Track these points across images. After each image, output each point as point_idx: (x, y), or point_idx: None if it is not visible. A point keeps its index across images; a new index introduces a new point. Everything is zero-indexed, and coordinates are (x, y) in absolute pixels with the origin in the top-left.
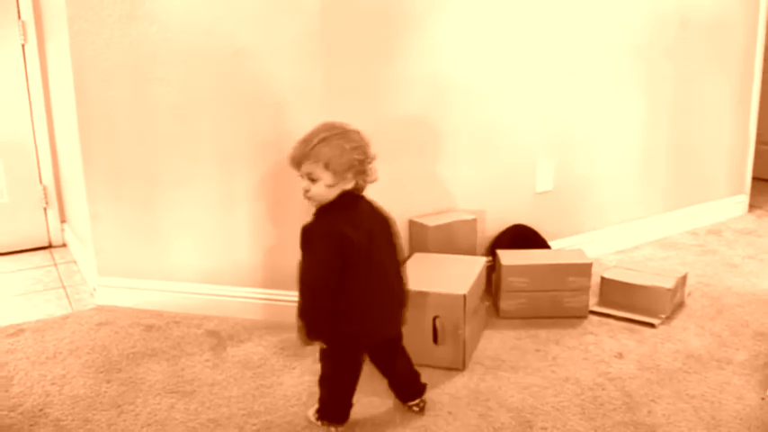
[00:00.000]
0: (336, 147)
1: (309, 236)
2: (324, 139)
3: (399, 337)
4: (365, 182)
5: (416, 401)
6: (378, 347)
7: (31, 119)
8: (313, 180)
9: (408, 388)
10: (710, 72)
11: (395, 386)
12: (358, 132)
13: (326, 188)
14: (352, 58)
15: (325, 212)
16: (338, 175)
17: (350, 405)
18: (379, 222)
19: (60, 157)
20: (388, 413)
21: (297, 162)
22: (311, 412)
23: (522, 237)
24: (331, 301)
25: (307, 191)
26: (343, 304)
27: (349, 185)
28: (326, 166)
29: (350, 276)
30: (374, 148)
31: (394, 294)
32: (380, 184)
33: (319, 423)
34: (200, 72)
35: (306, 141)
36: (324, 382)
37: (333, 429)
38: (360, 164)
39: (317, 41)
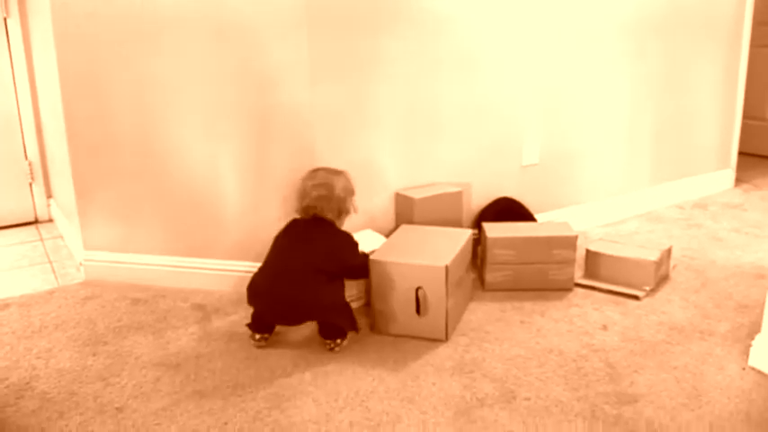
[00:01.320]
0: (341, 189)
1: (348, 239)
2: (333, 186)
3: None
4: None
5: (329, 341)
6: None
7: (15, 94)
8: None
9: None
10: (698, 47)
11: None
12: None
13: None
14: (339, 33)
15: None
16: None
17: None
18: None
19: (45, 133)
20: (372, 382)
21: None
22: None
23: (508, 209)
24: None
25: None
26: None
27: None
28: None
29: None
30: (361, 121)
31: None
32: (367, 156)
33: None
34: (185, 46)
35: (327, 190)
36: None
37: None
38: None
39: (303, 15)
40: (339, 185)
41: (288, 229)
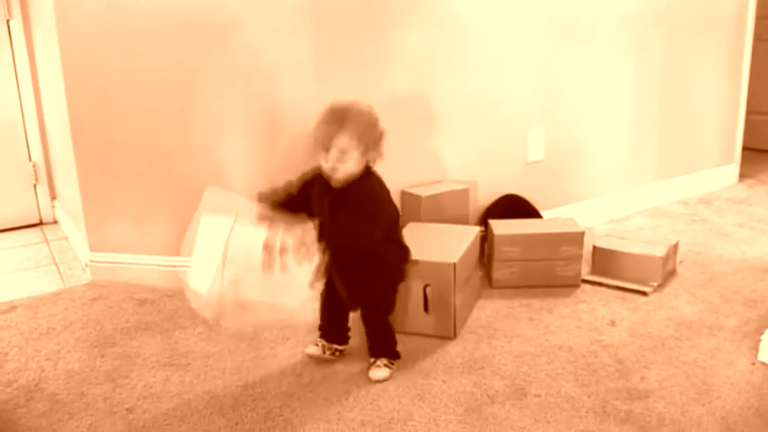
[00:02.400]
0: (368, 120)
1: (376, 194)
2: (359, 113)
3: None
4: (378, 158)
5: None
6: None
7: (19, 96)
8: (343, 154)
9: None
10: (701, 41)
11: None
12: (370, 109)
13: (355, 163)
14: (344, 31)
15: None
16: (368, 148)
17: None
18: None
19: (49, 134)
20: (383, 383)
21: (330, 136)
22: None
23: (514, 206)
24: None
25: (335, 168)
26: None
27: (368, 161)
28: (360, 139)
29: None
30: None
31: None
32: None
33: None
34: (190, 44)
35: (337, 116)
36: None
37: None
38: (381, 138)
39: (308, 13)
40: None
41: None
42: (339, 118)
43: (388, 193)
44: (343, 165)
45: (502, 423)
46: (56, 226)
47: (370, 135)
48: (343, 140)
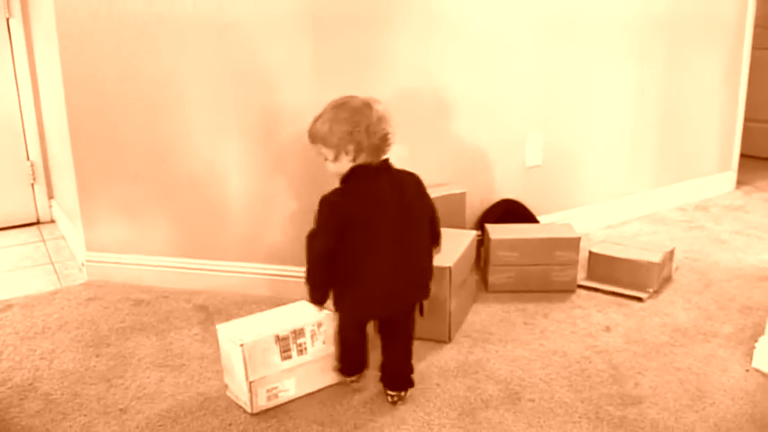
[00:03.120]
0: (326, 123)
1: (319, 205)
2: (318, 118)
3: (406, 313)
4: (372, 153)
5: (395, 393)
6: (384, 319)
7: (18, 94)
8: (325, 157)
9: (395, 376)
10: (700, 49)
11: (384, 367)
12: (350, 104)
13: (333, 163)
14: (342, 32)
15: (340, 185)
16: (336, 150)
17: (358, 361)
18: (397, 196)
19: (47, 133)
20: (377, 384)
21: (311, 142)
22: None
23: (512, 211)
24: (327, 269)
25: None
26: (345, 273)
27: (358, 159)
28: (324, 144)
29: (350, 247)
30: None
31: (401, 268)
32: None
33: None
34: (188, 46)
35: (312, 122)
36: (335, 337)
37: (347, 379)
38: (350, 136)
39: (306, 14)
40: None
41: (363, 196)
42: (313, 121)
43: (330, 204)
44: (328, 164)
45: (495, 427)
46: (53, 225)
47: (330, 139)
48: (315, 146)
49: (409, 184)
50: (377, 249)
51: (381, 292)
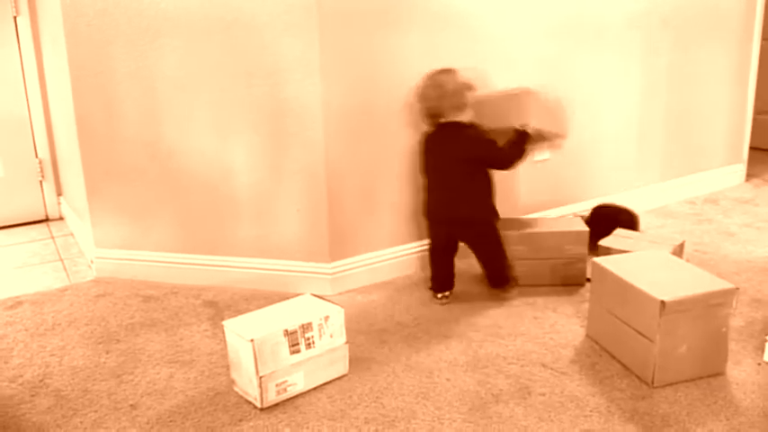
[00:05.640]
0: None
1: (477, 129)
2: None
3: (464, 233)
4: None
5: (497, 290)
6: (452, 235)
7: (26, 92)
8: None
9: (489, 278)
10: (709, 41)
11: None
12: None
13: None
14: (350, 28)
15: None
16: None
17: (444, 280)
18: (450, 142)
19: (56, 131)
20: (386, 378)
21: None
22: None
23: (610, 218)
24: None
25: None
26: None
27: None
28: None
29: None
30: (370, 117)
31: (445, 190)
32: (379, 153)
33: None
34: (196, 42)
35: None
36: (428, 259)
37: (436, 295)
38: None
39: (314, 10)
40: (450, 82)
41: (425, 146)
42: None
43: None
44: None
45: (506, 422)
46: (62, 222)
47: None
48: None
49: (460, 136)
50: (430, 172)
51: (435, 203)
